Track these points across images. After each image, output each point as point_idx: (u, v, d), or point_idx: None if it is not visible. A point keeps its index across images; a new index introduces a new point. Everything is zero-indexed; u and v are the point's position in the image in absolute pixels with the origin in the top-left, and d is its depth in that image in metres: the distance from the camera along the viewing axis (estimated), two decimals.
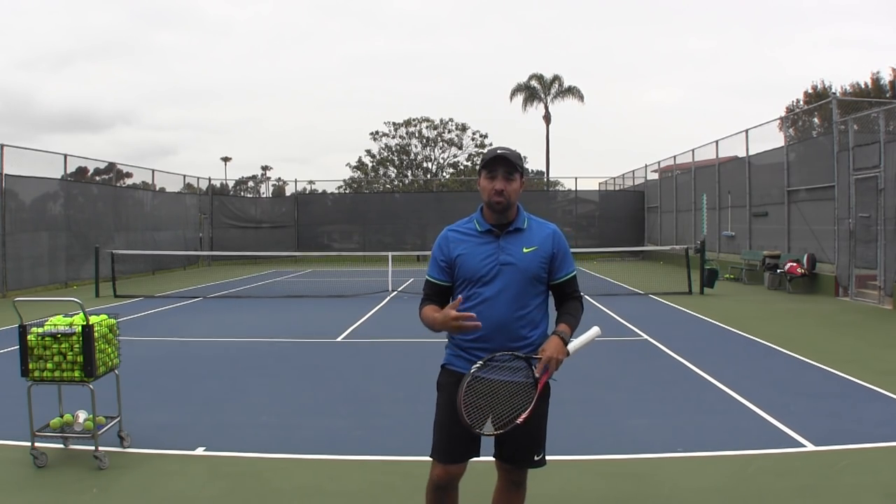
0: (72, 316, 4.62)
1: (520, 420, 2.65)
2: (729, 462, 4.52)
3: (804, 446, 4.77)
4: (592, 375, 7.28)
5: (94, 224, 19.94)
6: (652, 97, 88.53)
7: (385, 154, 50.41)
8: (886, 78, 34.50)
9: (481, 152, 50.45)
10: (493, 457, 2.92)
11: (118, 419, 4.84)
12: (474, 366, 2.70)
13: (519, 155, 2.85)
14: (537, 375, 2.70)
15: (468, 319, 2.63)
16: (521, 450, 2.84)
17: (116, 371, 4.85)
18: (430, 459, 2.92)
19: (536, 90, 44.38)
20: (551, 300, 2.99)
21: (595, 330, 2.87)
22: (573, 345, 2.76)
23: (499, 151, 2.81)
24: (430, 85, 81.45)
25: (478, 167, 2.91)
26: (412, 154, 50.06)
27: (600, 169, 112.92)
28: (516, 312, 2.77)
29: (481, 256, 2.80)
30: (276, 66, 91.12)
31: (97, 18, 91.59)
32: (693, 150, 23.86)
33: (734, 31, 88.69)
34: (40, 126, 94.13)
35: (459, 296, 2.75)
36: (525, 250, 2.80)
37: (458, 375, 2.75)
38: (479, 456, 2.88)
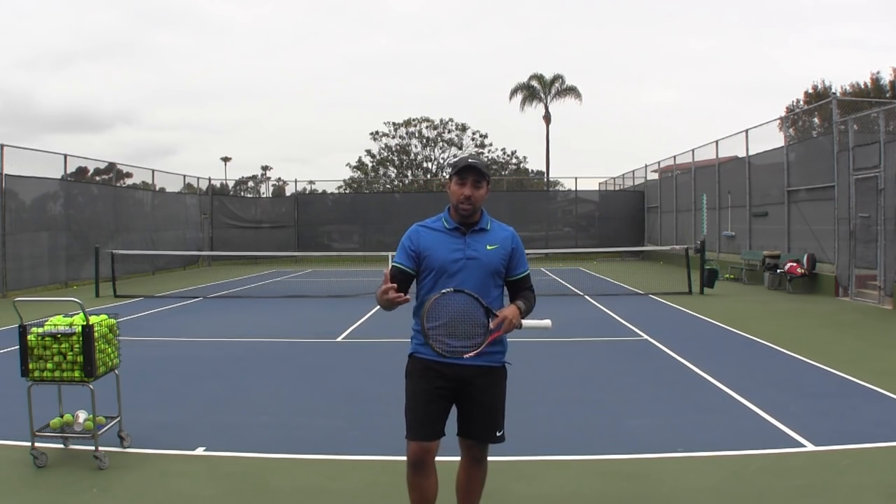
0: (72, 316, 4.63)
1: (466, 356, 2.97)
2: (729, 462, 4.52)
3: (804, 446, 4.77)
4: (592, 375, 7.29)
5: (94, 224, 19.93)
6: (651, 97, 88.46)
7: (385, 154, 50.46)
8: (886, 78, 34.54)
9: (481, 152, 50.59)
10: (458, 435, 3.19)
11: (118, 419, 4.84)
12: (447, 289, 3.02)
13: (487, 165, 3.25)
14: (492, 328, 3.00)
15: (398, 299, 2.89)
16: (484, 427, 3.14)
17: (116, 371, 4.85)
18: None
19: (536, 90, 44.40)
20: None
21: (547, 322, 3.28)
22: (527, 322, 3.13)
23: (470, 160, 3.12)
24: (430, 85, 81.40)
25: (449, 173, 3.23)
26: (412, 154, 50.10)
27: (600, 169, 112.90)
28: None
29: (449, 249, 3.09)
30: (276, 67, 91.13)
31: (97, 18, 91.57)
32: (693, 150, 23.86)
33: (734, 31, 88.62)
34: (40, 126, 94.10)
35: (394, 284, 2.95)
36: (489, 247, 3.12)
37: (426, 362, 3.07)
38: (444, 435, 3.14)
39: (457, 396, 3.12)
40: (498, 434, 3.16)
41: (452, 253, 3.08)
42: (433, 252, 3.09)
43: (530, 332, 3.24)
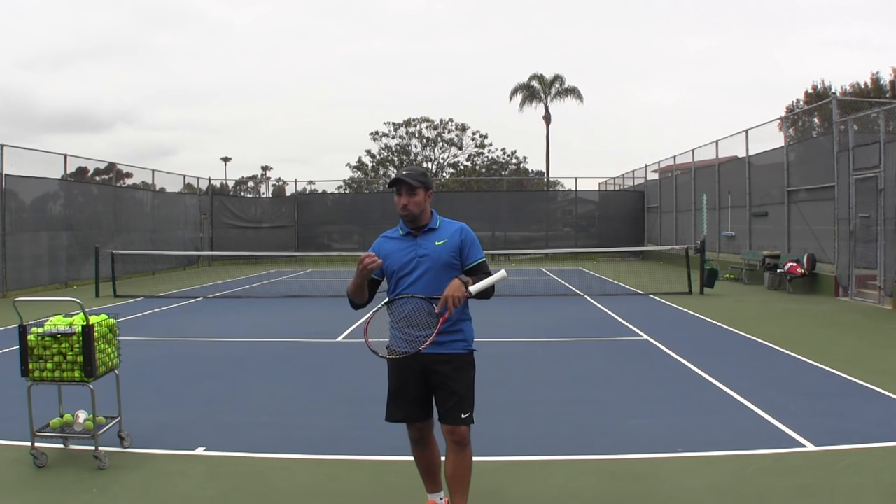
0: (72, 316, 4.63)
1: (421, 347, 3.22)
2: (729, 462, 4.52)
3: (804, 446, 4.77)
4: (592, 375, 7.29)
5: (94, 224, 19.91)
6: (651, 97, 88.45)
7: (385, 154, 50.45)
8: (886, 78, 34.54)
9: (481, 152, 50.64)
10: (438, 419, 3.44)
11: (118, 419, 4.84)
12: (383, 302, 3.38)
13: (422, 172, 3.53)
14: (437, 312, 3.23)
15: (371, 262, 3.28)
16: (448, 409, 3.36)
17: (116, 371, 4.85)
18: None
19: (536, 90, 44.41)
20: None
21: (501, 272, 3.36)
22: (476, 286, 3.26)
23: (402, 173, 3.44)
24: (430, 85, 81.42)
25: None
26: (412, 154, 50.07)
27: (600, 169, 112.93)
28: (434, 293, 3.30)
29: (403, 252, 3.45)
30: (275, 67, 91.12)
31: (97, 18, 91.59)
32: (693, 150, 23.86)
33: (734, 31, 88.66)
34: (40, 126, 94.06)
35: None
36: (437, 244, 3.43)
37: (399, 353, 3.35)
38: (426, 417, 3.50)
39: (427, 383, 3.41)
40: (463, 416, 3.34)
41: (406, 255, 3.43)
42: (391, 257, 3.44)
43: (492, 290, 3.40)
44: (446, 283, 3.30)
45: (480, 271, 3.41)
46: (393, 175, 3.52)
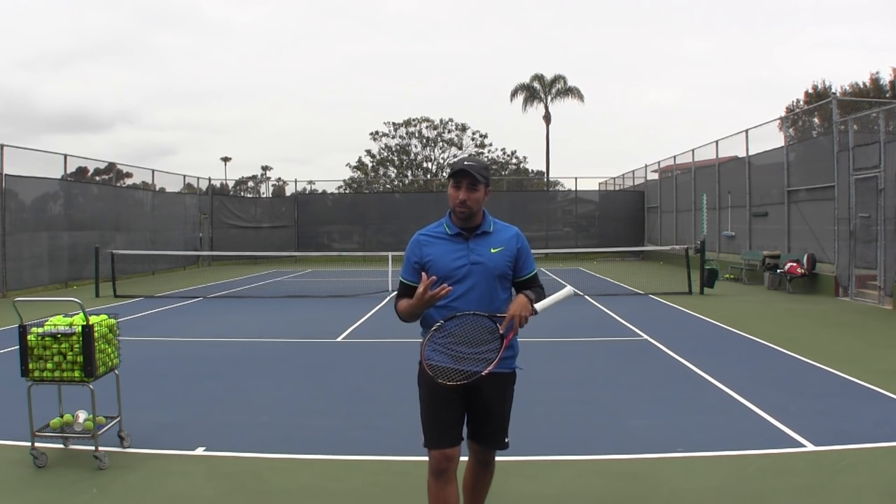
0: (72, 316, 4.63)
1: (484, 372, 2.86)
2: (729, 462, 4.52)
3: (804, 446, 4.77)
4: (592, 375, 7.29)
5: (94, 224, 19.93)
6: (651, 97, 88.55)
7: (385, 154, 50.47)
8: (886, 78, 34.56)
9: (481, 152, 50.61)
10: (468, 438, 3.15)
11: (118, 419, 4.84)
12: (442, 319, 2.92)
13: (486, 166, 3.08)
14: (502, 332, 2.91)
15: (444, 293, 2.86)
16: (492, 434, 3.13)
17: (116, 371, 4.85)
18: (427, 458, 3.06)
19: (537, 90, 44.41)
20: None
21: (568, 289, 3.12)
22: (542, 304, 2.99)
23: (465, 164, 3.00)
24: (430, 85, 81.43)
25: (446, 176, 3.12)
26: (412, 154, 50.10)
27: (600, 169, 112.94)
28: (487, 307, 2.96)
29: (452, 257, 3.01)
30: (275, 67, 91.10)
31: (97, 18, 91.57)
32: (693, 150, 23.86)
33: (733, 31, 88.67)
34: (40, 126, 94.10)
35: (431, 276, 2.90)
36: (493, 251, 3.03)
37: (436, 369, 2.91)
38: (463, 440, 3.09)
39: (467, 400, 3.05)
40: (506, 440, 3.17)
41: (456, 260, 2.99)
42: (436, 260, 2.99)
43: (552, 312, 3.11)
44: (498, 296, 3.02)
45: (533, 284, 3.10)
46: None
